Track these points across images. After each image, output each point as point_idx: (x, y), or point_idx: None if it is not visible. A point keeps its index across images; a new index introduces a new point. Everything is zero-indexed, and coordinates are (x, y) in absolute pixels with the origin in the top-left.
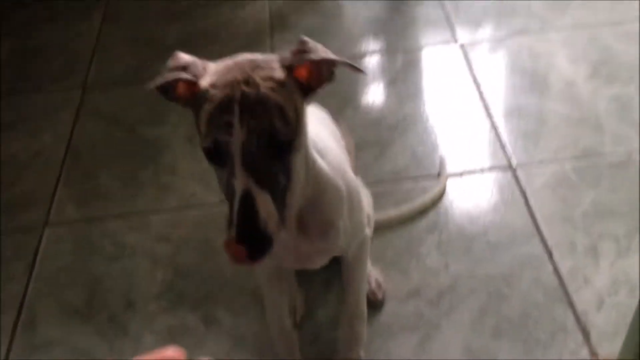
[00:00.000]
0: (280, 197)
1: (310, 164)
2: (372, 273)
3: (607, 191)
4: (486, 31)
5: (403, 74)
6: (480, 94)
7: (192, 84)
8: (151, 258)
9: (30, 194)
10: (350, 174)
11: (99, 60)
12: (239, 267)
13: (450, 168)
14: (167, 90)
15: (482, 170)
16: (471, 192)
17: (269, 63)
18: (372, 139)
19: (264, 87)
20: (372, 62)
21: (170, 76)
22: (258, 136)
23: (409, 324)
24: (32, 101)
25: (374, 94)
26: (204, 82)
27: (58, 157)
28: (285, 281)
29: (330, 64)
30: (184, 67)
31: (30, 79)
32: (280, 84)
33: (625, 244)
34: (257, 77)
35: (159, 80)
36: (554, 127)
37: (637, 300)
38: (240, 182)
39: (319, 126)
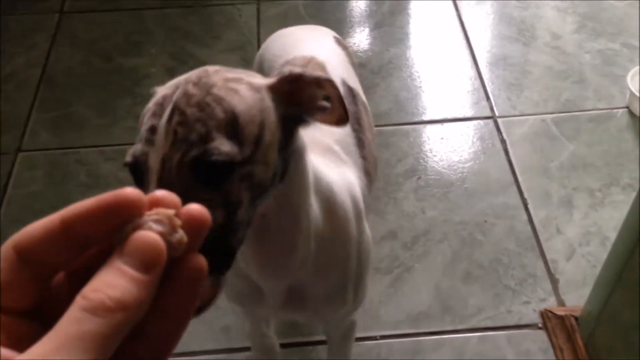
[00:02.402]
0: (215, 239)
1: (326, 205)
2: None
3: (585, 145)
4: None
5: (390, 17)
6: (468, 41)
7: None
8: None
9: (2, 117)
10: (366, 225)
11: None
12: None
13: (432, 114)
14: None
15: (464, 119)
16: (452, 140)
17: (247, 72)
18: None
19: (222, 87)
20: (359, 4)
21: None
22: (185, 151)
23: (383, 265)
24: (4, 24)
25: (360, 37)
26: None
27: (32, 82)
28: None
29: (318, 85)
30: None
31: (3, 1)
32: (254, 88)
33: (599, 197)
34: (219, 77)
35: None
36: (538, 78)
37: (607, 251)
38: None
39: (335, 146)
